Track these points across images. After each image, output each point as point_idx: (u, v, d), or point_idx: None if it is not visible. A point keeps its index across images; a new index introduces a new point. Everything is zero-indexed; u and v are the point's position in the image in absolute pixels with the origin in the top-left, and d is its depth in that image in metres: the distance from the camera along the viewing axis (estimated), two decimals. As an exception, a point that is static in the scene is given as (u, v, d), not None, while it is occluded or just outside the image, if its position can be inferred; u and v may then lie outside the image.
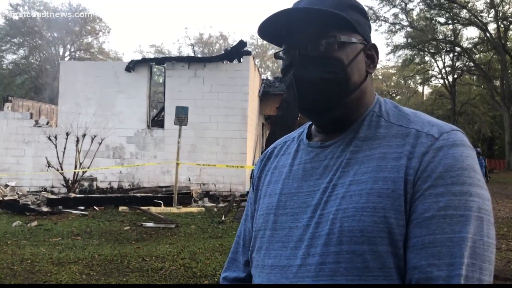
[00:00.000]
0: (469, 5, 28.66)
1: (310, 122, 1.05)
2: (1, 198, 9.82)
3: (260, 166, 1.08)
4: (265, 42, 46.76)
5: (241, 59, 11.96)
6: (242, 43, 11.77)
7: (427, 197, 0.78)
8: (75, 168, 10.71)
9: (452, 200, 0.77)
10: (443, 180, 0.78)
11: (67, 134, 10.68)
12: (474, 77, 34.74)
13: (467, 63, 33.07)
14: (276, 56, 0.96)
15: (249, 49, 12.64)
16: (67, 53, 37.87)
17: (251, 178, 1.12)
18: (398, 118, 0.91)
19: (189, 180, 11.75)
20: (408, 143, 0.84)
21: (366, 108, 0.93)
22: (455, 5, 28.41)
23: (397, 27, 31.67)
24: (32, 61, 37.10)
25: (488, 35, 28.57)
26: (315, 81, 0.88)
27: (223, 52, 13.07)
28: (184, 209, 9.24)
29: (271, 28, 0.91)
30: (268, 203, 0.96)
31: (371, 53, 0.95)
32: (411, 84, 42.70)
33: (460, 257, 0.74)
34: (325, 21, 0.87)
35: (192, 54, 36.03)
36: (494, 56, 29.75)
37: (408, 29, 31.52)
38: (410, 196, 0.80)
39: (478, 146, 19.01)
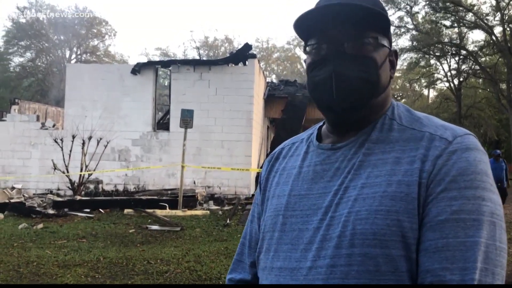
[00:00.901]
0: (475, 8, 28.54)
1: (319, 124, 1.04)
2: (7, 201, 9.88)
3: (267, 167, 1.07)
4: (270, 45, 46.86)
5: (246, 62, 11.99)
6: (247, 46, 11.79)
7: (440, 201, 0.78)
8: (81, 170, 10.75)
9: (465, 204, 0.77)
10: (456, 183, 0.78)
11: (73, 137, 10.72)
12: (480, 80, 34.56)
13: (472, 66, 32.89)
14: (306, 50, 0.94)
15: (254, 52, 12.66)
16: (74, 56, 38.10)
17: (258, 179, 1.12)
18: (411, 121, 0.90)
19: (194, 183, 11.76)
20: (421, 146, 0.84)
21: (384, 112, 0.94)
22: (461, 8, 28.31)
23: (402, 30, 31.57)
24: (39, 63, 37.34)
25: (494, 38, 28.44)
26: (353, 79, 0.87)
27: (228, 55, 13.09)
28: (189, 212, 9.25)
29: (310, 23, 0.90)
30: (277, 205, 0.95)
31: (392, 58, 0.96)
32: (417, 87, 42.54)
33: (473, 261, 0.74)
34: (367, 20, 0.87)
35: (198, 57, 36.15)
36: (500, 59, 29.58)
37: (413, 32, 31.42)
38: (423, 199, 0.80)
39: (498, 148, 18.35)
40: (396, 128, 0.90)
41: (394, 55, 0.97)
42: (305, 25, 0.91)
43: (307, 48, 0.93)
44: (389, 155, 0.86)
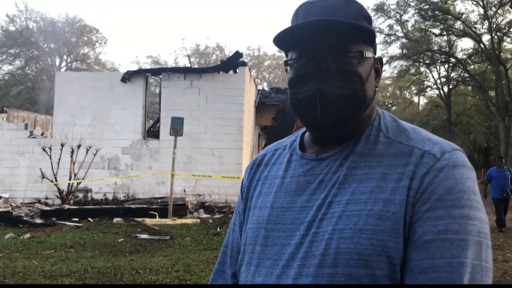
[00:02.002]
0: (463, 16, 28.96)
1: (302, 131, 1.00)
2: (-6, 210, 9.72)
3: (249, 174, 1.03)
4: (261, 53, 47.05)
5: (237, 70, 11.99)
6: (237, 54, 11.81)
7: (427, 220, 0.76)
8: (70, 179, 10.63)
9: (451, 224, 0.75)
10: (443, 202, 0.76)
11: (62, 145, 10.61)
12: (469, 87, 34.96)
13: (462, 74, 33.29)
14: (287, 63, 0.91)
15: (246, 60, 12.71)
16: (64, 63, 37.91)
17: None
18: (397, 134, 0.88)
19: (185, 191, 11.69)
20: (411, 163, 0.81)
21: (370, 123, 0.90)
22: (450, 16, 28.70)
23: (392, 38, 31.93)
24: (28, 71, 37.08)
25: (482, 46, 28.83)
26: (338, 97, 0.84)
27: (219, 63, 13.10)
28: (179, 221, 9.17)
29: (292, 38, 0.87)
30: (258, 217, 0.92)
31: (377, 66, 0.93)
32: (407, 94, 42.91)
33: (459, 283, 0.73)
34: (352, 34, 0.84)
35: (189, 65, 36.16)
36: (488, 67, 29.98)
37: (403, 40, 31.77)
38: (409, 217, 0.78)
39: (487, 155, 17.54)
40: (383, 140, 0.87)
41: (379, 62, 0.93)
42: (286, 40, 0.88)
43: (289, 62, 0.90)
44: (375, 170, 0.83)
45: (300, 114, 0.90)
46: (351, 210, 0.80)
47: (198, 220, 9.47)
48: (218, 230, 8.16)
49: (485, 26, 28.68)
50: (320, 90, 0.84)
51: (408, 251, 0.76)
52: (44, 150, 10.65)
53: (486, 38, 29.37)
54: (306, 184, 0.88)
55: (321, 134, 0.90)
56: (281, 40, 0.88)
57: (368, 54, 0.88)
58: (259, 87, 19.26)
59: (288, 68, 0.91)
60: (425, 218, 0.76)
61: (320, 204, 0.84)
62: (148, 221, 8.85)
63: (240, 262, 0.95)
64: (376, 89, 0.92)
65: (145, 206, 10.11)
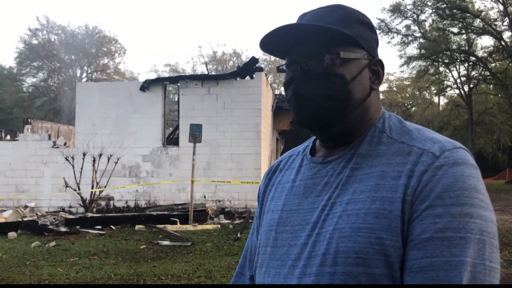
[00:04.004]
0: (482, 14, 28.43)
1: (315, 137, 1.04)
2: (20, 219, 9.97)
3: (265, 180, 1.08)
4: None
5: (253, 76, 12.06)
6: (253, 60, 11.87)
7: (425, 218, 0.76)
8: (92, 187, 10.83)
9: (451, 222, 0.74)
10: (442, 200, 0.76)
11: (84, 154, 10.83)
12: (491, 86, 34.23)
13: (482, 72, 32.62)
14: (279, 69, 0.96)
15: (263, 65, 12.78)
16: (84, 74, 38.72)
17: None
18: (400, 134, 0.88)
19: (205, 197, 11.77)
20: (409, 162, 0.81)
21: (370, 123, 0.92)
22: (468, 14, 28.21)
23: (410, 38, 31.53)
24: (51, 83, 38.01)
25: (503, 43, 28.22)
26: (314, 98, 0.87)
27: (236, 69, 13.19)
28: (200, 227, 9.24)
29: (273, 43, 0.91)
30: (270, 219, 0.96)
31: (377, 68, 0.93)
32: (427, 95, 42.25)
33: (458, 282, 0.71)
34: (328, 37, 0.87)
35: (206, 72, 36.41)
36: (510, 64, 29.32)
37: (421, 40, 31.35)
38: (408, 216, 0.77)
39: None
40: (385, 141, 0.88)
41: (379, 64, 0.94)
42: (272, 46, 0.93)
43: (279, 68, 0.95)
44: (375, 169, 0.84)
45: (293, 115, 0.95)
46: (351, 210, 0.82)
47: (219, 225, 9.52)
48: (239, 235, 8.19)
49: (505, 23, 28.09)
50: (295, 90, 0.89)
51: (407, 250, 0.76)
52: (67, 160, 10.88)
53: (507, 35, 28.75)
54: (313, 186, 0.91)
55: (315, 134, 0.96)
56: (266, 47, 0.94)
57: (354, 55, 0.89)
58: (277, 92, 19.28)
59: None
60: (424, 216, 0.76)
61: (324, 205, 0.86)
62: (170, 227, 8.94)
63: (255, 264, 0.99)
64: (373, 90, 0.92)
65: (166, 212, 10.22)
